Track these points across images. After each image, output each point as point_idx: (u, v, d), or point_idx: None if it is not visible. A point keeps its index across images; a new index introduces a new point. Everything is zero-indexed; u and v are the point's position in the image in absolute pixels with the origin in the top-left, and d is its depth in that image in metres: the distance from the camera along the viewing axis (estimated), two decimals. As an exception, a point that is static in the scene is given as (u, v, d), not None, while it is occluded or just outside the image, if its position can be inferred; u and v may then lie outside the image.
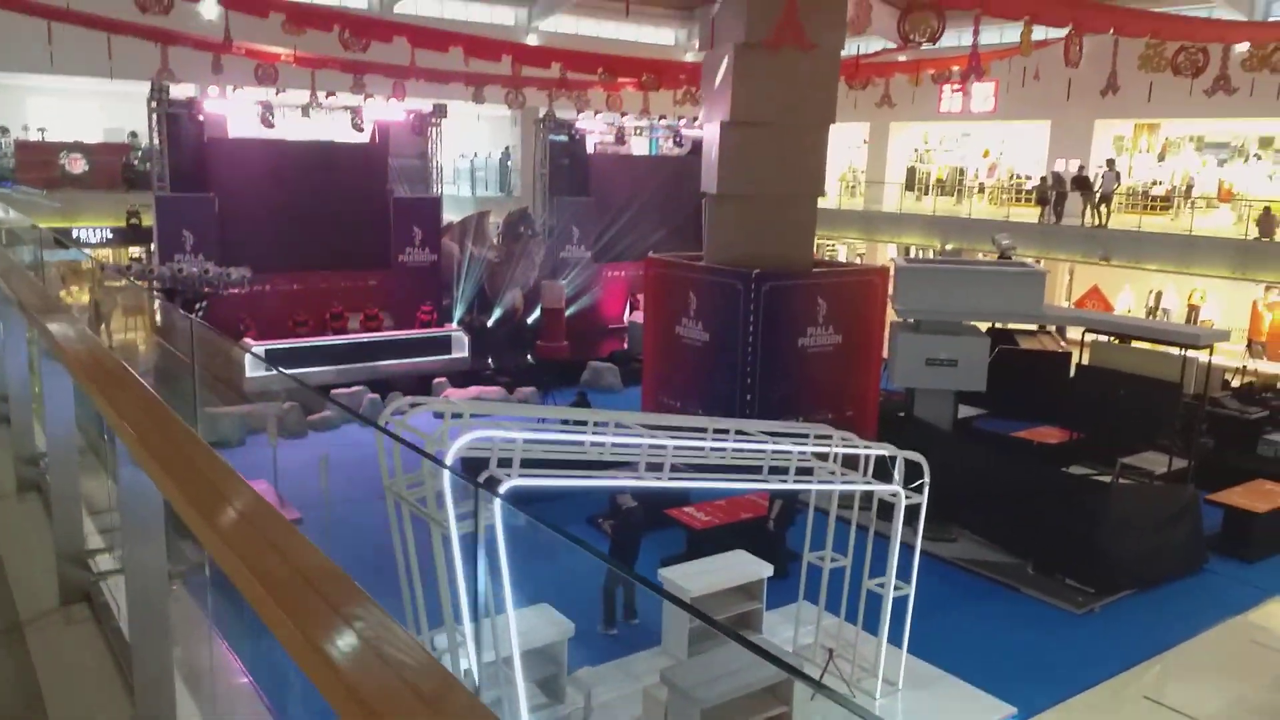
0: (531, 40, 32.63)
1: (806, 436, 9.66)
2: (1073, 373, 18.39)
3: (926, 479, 9.54)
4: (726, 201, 15.99)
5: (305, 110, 21.99)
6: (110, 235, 26.04)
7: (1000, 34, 27.78)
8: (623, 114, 26.73)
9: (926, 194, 35.40)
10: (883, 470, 9.72)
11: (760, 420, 10.31)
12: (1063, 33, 15.91)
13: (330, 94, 22.30)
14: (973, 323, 15.27)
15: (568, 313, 24.05)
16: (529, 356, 22.94)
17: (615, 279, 25.87)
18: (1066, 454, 15.50)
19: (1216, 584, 12.78)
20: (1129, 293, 28.32)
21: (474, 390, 20.59)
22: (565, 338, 23.55)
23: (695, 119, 27.14)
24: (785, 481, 8.89)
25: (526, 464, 7.49)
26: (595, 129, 26.39)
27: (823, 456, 9.19)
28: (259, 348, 18.81)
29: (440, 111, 23.26)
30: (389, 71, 23.71)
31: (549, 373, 21.35)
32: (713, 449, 8.35)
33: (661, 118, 27.21)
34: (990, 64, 25.35)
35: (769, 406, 15.50)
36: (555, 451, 7.90)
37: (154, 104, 19.84)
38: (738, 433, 8.98)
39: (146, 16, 17.17)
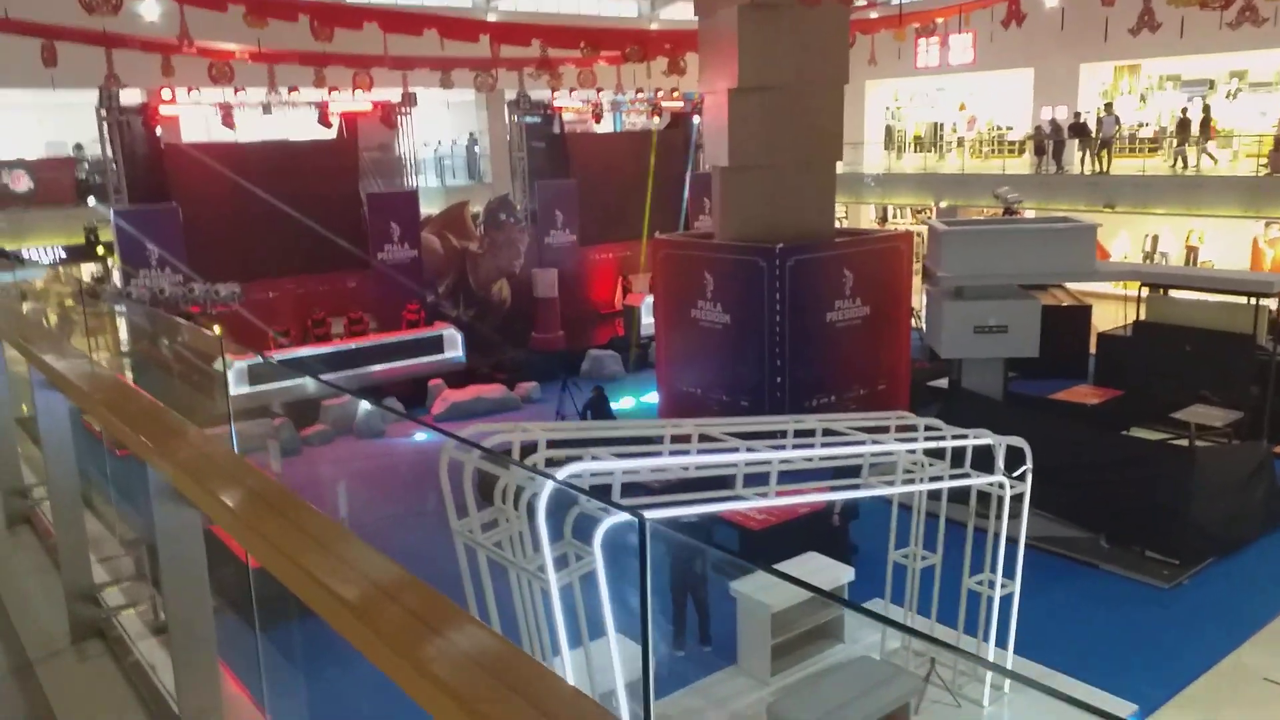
0: (490, 19, 31.23)
1: (887, 428, 8.82)
2: (1098, 328, 17.70)
3: (1029, 465, 8.71)
4: (739, 174, 15.02)
5: (266, 108, 20.62)
6: (64, 255, 24.45)
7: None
8: (599, 90, 25.53)
9: (902, 152, 34.66)
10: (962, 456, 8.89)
11: (841, 414, 9.42)
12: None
13: (293, 89, 20.93)
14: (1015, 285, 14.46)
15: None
16: (510, 350, 21.83)
17: (604, 261, 24.81)
18: (1114, 414, 14.80)
19: (1297, 542, 12.17)
20: (1125, 238, 27.78)
21: (473, 390, 19.57)
22: (560, 327, 22.50)
23: (674, 91, 26.10)
24: (893, 483, 8.01)
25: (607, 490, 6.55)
26: (567, 108, 25.20)
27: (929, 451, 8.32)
28: (241, 364, 17.55)
29: (410, 100, 21.98)
30: (351, 62, 22.36)
31: (550, 365, 20.32)
32: (812, 455, 7.43)
33: (639, 91, 26.08)
34: (971, 14, 24.59)
35: (800, 388, 14.67)
36: (640, 475, 6.96)
37: (104, 112, 18.40)
38: (826, 432, 8.10)
39: (91, 19, 15.75)
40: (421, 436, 17.00)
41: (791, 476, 8.06)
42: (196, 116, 20.74)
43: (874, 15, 26.54)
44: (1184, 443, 12.56)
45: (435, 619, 1.60)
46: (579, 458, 6.29)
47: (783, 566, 9.91)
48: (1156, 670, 9.51)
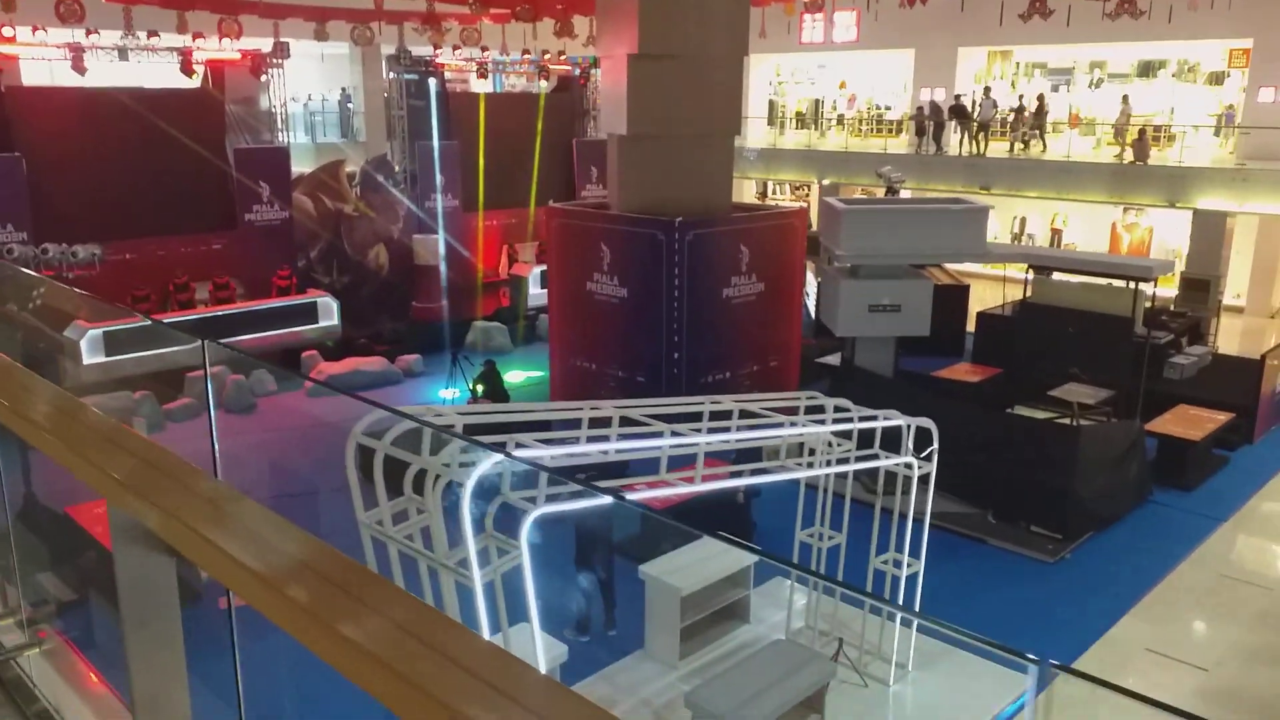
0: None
1: (798, 409, 8.71)
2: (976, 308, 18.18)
3: (935, 445, 8.77)
4: (637, 143, 14.67)
5: (122, 52, 19.02)
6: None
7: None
8: (484, 49, 24.69)
9: (784, 128, 34.96)
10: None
11: (755, 395, 9.25)
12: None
13: (152, 33, 19.36)
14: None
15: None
16: (389, 320, 21.00)
17: (488, 229, 24.07)
18: (997, 392, 15.25)
19: (1164, 516, 12.76)
20: (994, 220, 28.71)
21: (350, 362, 18.70)
22: (442, 297, 21.75)
23: (561, 54, 25.49)
24: (812, 465, 7.89)
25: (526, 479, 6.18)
26: (449, 65, 24.24)
27: (838, 432, 8.24)
28: (96, 331, 16.23)
29: (283, 50, 20.69)
30: (217, 6, 20.94)
31: (433, 337, 19.64)
32: (736, 439, 7.24)
33: (525, 52, 25.34)
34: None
35: (696, 364, 14.53)
36: (559, 459, 6.60)
37: (-66, 47, 16.60)
38: (742, 413, 7.92)
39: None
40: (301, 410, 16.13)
41: (692, 456, 7.84)
42: (40, 59, 18.96)
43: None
44: (1068, 421, 13.01)
45: (352, 585, 1.57)
46: (501, 444, 5.90)
47: (688, 547, 9.75)
48: (1046, 643, 9.77)
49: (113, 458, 2.02)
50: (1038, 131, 26.40)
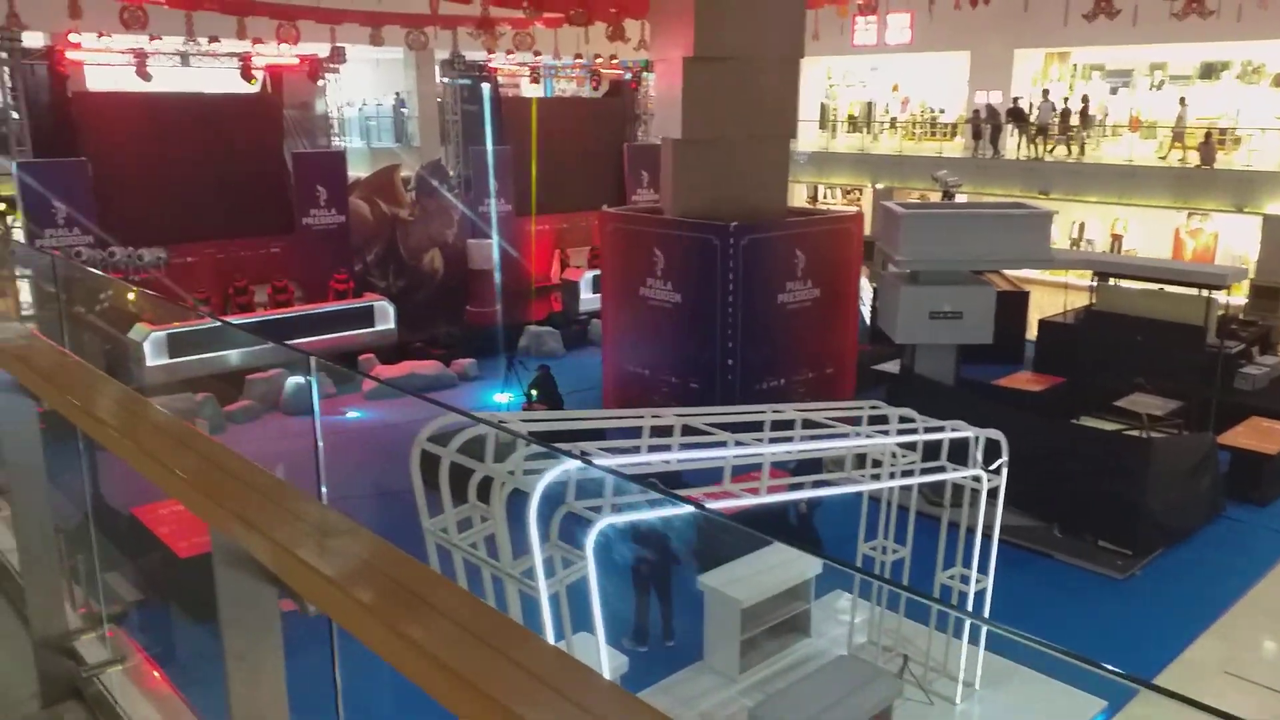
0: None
1: (861, 418, 8.52)
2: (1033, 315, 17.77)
3: (1005, 458, 8.53)
4: (692, 146, 14.54)
5: (184, 58, 19.35)
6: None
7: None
8: (536, 53, 24.75)
9: (836, 132, 34.58)
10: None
11: (817, 404, 9.09)
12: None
13: (213, 39, 19.67)
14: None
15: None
16: (444, 324, 21.05)
17: (541, 233, 24.11)
18: (1061, 402, 14.86)
19: (1239, 532, 12.34)
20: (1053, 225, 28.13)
21: (406, 366, 18.81)
22: (496, 301, 21.79)
23: (613, 58, 25.47)
24: (879, 477, 7.71)
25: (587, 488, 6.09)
26: (502, 69, 24.36)
27: (904, 444, 8.04)
28: (160, 333, 16.47)
29: (339, 55, 20.91)
30: (275, 12, 21.21)
31: (486, 341, 19.67)
32: (803, 450, 7.08)
33: (577, 56, 25.36)
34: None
35: (751, 371, 14.37)
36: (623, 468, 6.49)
37: (5, 55, 16.97)
38: (806, 423, 7.76)
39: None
40: (354, 414, 16.21)
41: (750, 467, 7.66)
42: (105, 64, 19.37)
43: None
44: (1138, 433, 12.63)
45: (420, 587, 1.60)
46: (568, 452, 5.81)
47: (747, 558, 9.60)
48: (1118, 664, 9.36)
49: (220, 483, 1.99)
50: (1083, 136, 25.76)
